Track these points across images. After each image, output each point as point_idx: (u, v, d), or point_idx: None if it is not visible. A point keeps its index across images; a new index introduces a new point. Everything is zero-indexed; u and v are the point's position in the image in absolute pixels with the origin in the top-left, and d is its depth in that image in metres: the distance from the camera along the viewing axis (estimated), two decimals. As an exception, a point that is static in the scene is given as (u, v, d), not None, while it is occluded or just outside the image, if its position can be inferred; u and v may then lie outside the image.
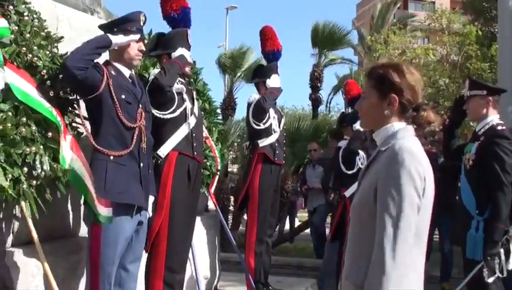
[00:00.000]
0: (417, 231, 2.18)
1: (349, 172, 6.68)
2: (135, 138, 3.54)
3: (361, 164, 6.62)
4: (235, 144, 14.49)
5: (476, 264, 4.24)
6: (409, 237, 2.14)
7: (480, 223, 4.27)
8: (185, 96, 4.31)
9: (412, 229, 2.15)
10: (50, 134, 3.28)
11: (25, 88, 3.19)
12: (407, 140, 2.27)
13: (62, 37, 3.72)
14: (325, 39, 18.88)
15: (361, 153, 6.78)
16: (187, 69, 4.41)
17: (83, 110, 3.60)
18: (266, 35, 5.89)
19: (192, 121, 4.31)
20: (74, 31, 4.20)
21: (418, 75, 2.36)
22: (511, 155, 4.29)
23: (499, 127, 4.39)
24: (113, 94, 3.47)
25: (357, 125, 6.46)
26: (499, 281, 4.24)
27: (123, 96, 3.53)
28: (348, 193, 6.50)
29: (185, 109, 4.27)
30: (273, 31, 5.91)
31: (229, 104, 17.22)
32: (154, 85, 4.10)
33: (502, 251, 4.18)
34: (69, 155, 3.32)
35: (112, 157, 3.45)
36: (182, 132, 4.23)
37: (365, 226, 2.25)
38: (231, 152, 14.16)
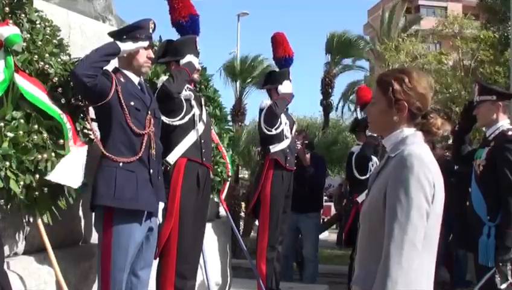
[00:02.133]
0: (426, 236, 2.18)
1: (362, 177, 6.69)
2: (144, 144, 3.55)
3: (375, 169, 6.62)
4: (246, 149, 14.50)
5: (488, 271, 4.21)
6: (417, 242, 2.14)
7: (491, 229, 4.24)
8: (193, 102, 4.32)
9: (420, 235, 2.15)
10: (61, 141, 3.31)
11: (36, 93, 3.22)
12: (416, 146, 2.27)
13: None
14: (339, 46, 18.97)
15: (374, 158, 6.78)
16: (195, 75, 4.44)
17: (92, 117, 3.64)
18: (278, 42, 5.91)
19: (200, 127, 4.32)
20: (86, 38, 4.23)
21: (427, 83, 2.36)
22: (522, 160, 4.27)
23: (509, 133, 4.36)
24: (122, 101, 3.49)
25: (369, 132, 6.46)
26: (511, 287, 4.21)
27: (132, 103, 3.55)
28: (360, 199, 6.50)
29: (194, 115, 4.28)
30: (285, 37, 5.93)
31: (238, 110, 17.28)
32: (162, 92, 4.12)
33: (514, 257, 4.15)
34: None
35: (121, 164, 3.46)
36: (190, 138, 4.25)
37: (374, 232, 2.26)
38: (241, 158, 14.16)
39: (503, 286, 4.13)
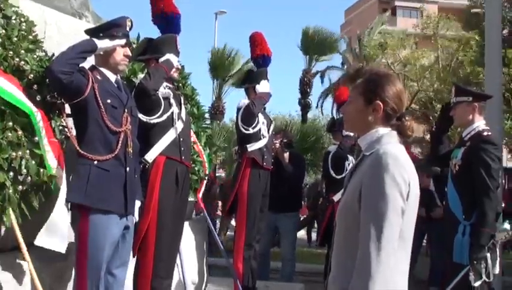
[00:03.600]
0: (401, 234, 2.19)
1: (338, 177, 6.74)
2: (120, 142, 3.53)
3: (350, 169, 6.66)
4: (222, 149, 14.50)
5: (463, 269, 4.26)
6: (393, 240, 2.15)
7: (466, 227, 4.30)
8: (172, 101, 4.30)
9: (396, 233, 2.16)
10: (36, 139, 3.27)
11: (11, 90, 3.17)
12: (391, 145, 2.28)
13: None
14: (315, 45, 19.03)
15: (350, 158, 6.84)
16: (175, 74, 4.41)
17: (68, 114, 3.60)
18: (256, 41, 5.90)
19: (179, 125, 4.30)
20: (62, 35, 4.18)
21: (401, 85, 2.39)
22: (497, 160, 4.34)
23: (485, 133, 4.43)
24: (99, 98, 3.46)
25: (345, 131, 6.50)
26: (485, 285, 4.26)
27: (108, 101, 3.52)
28: (336, 198, 6.55)
29: (172, 113, 4.26)
30: (263, 37, 5.93)
31: (217, 109, 17.27)
32: (139, 89, 4.10)
33: (488, 255, 4.21)
34: (55, 164, 3.32)
35: (96, 162, 3.44)
36: (169, 136, 4.23)
37: (350, 231, 2.26)
38: (220, 157, 14.14)
39: (477, 283, 4.19)
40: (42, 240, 3.31)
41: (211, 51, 20.23)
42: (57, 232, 3.38)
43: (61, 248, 3.43)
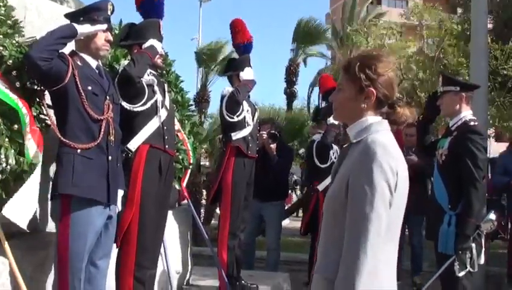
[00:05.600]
0: (389, 225, 2.16)
1: (323, 166, 6.72)
2: (103, 130, 3.47)
3: (335, 157, 6.65)
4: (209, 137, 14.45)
5: (448, 258, 4.27)
6: (380, 230, 2.12)
7: (452, 217, 4.30)
8: (156, 88, 4.22)
9: (383, 223, 2.13)
10: (16, 126, 3.19)
11: None
12: (380, 134, 2.25)
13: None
14: (305, 35, 19.06)
15: (334, 147, 6.82)
16: (159, 60, 4.34)
17: (48, 102, 3.52)
18: (236, 28, 5.82)
19: (163, 113, 4.23)
20: (43, 20, 4.08)
21: (393, 73, 2.33)
22: (483, 151, 4.35)
23: (472, 123, 4.43)
24: (79, 85, 3.39)
25: (331, 119, 6.48)
26: (470, 275, 4.27)
27: (89, 88, 3.45)
28: (321, 187, 6.54)
29: (156, 101, 4.18)
30: (243, 23, 5.85)
31: (202, 98, 17.19)
32: (123, 76, 4.01)
33: (473, 245, 4.22)
34: (34, 149, 3.24)
35: (79, 151, 3.38)
36: (152, 124, 4.15)
37: (337, 220, 2.23)
38: (204, 145, 14.08)
39: (462, 273, 4.21)
40: (8, 211, 3.18)
41: (195, 38, 20.10)
42: (23, 208, 3.26)
43: (24, 225, 3.28)
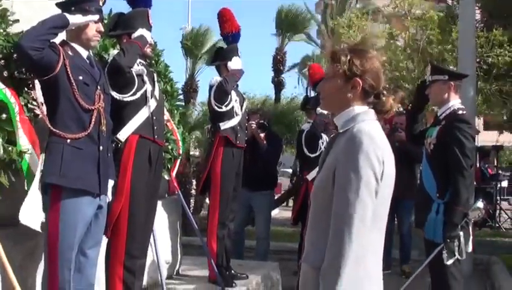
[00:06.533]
0: (375, 214, 2.17)
1: (312, 155, 6.73)
2: (93, 120, 3.45)
3: (325, 147, 6.66)
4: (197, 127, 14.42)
5: (436, 246, 4.30)
6: (366, 218, 2.13)
7: (440, 206, 4.33)
8: (146, 78, 4.21)
9: (369, 212, 2.14)
10: (4, 116, 3.17)
11: None
12: (366, 123, 2.26)
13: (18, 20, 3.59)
14: (289, 23, 19.01)
15: (324, 136, 6.82)
16: (148, 50, 4.32)
17: (38, 91, 3.49)
18: (224, 17, 5.80)
19: (152, 103, 4.22)
20: (33, 10, 4.05)
21: (380, 60, 2.35)
22: (471, 139, 4.37)
23: (460, 112, 4.46)
24: (70, 75, 3.37)
25: (321, 109, 6.48)
26: (458, 262, 4.31)
27: (80, 78, 3.43)
28: (310, 176, 6.54)
29: (146, 91, 4.17)
30: (231, 13, 5.83)
31: (191, 87, 17.14)
32: (113, 66, 3.99)
33: (461, 233, 4.25)
34: (25, 140, 3.24)
35: (68, 141, 3.36)
36: (142, 114, 4.14)
37: (324, 209, 2.24)
38: (193, 135, 14.06)
39: (450, 261, 4.24)
40: (24, 217, 3.24)
41: (184, 28, 19.98)
42: (34, 211, 3.32)
43: (38, 227, 3.40)
